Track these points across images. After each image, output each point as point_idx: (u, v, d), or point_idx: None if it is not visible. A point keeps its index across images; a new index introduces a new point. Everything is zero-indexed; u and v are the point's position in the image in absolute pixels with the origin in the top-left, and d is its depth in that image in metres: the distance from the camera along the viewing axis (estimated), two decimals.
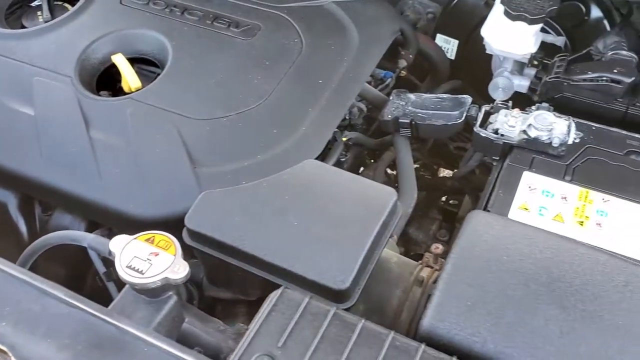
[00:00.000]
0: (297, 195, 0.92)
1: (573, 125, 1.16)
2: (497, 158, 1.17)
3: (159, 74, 1.25)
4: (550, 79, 1.22)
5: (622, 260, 0.85)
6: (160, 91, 1.20)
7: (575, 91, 1.20)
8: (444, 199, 1.60)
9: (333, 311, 0.75)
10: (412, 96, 1.30)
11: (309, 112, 1.15)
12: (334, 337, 0.72)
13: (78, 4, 1.40)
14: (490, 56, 1.49)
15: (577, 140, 1.14)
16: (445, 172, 1.74)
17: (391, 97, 1.30)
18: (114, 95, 1.30)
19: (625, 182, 1.07)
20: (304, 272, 0.84)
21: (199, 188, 1.04)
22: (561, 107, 1.21)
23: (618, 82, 1.16)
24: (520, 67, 1.43)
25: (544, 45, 1.51)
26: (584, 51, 1.39)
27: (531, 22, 1.27)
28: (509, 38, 1.33)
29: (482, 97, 1.56)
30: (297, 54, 1.25)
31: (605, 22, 1.54)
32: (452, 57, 1.73)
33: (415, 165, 1.70)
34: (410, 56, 1.51)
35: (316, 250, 0.86)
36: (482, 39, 1.53)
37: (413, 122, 1.23)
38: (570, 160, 1.11)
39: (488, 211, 1.04)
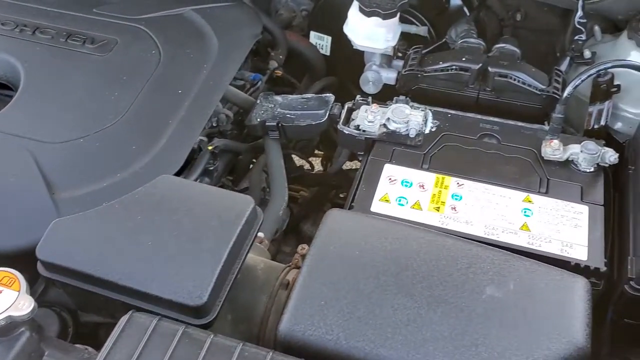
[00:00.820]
0: (150, 214, 0.90)
1: (430, 115, 1.20)
2: (363, 153, 1.20)
3: None
4: (405, 72, 1.26)
5: (466, 243, 0.90)
6: (13, 116, 1.15)
7: (430, 82, 1.25)
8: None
9: (181, 330, 0.74)
10: (278, 98, 1.31)
11: (169, 125, 1.13)
12: (183, 356, 0.72)
13: None
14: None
15: (433, 129, 1.19)
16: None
17: (258, 101, 1.30)
18: None
19: (478, 165, 1.13)
20: (160, 293, 0.83)
21: (58, 215, 1.01)
22: (419, 98, 1.25)
23: (466, 69, 1.21)
24: (388, 59, 1.47)
25: (409, 36, 1.56)
26: (441, 41, 1.45)
27: (385, 17, 1.30)
28: (367, 34, 1.36)
29: (360, 91, 1.60)
30: (155, 66, 1.23)
31: (465, 8, 1.61)
32: (327, 53, 1.75)
33: (304, 163, 1.73)
34: (281, 57, 1.52)
35: (171, 268, 0.85)
36: None
37: (280, 125, 1.24)
38: (428, 149, 1.15)
39: (352, 206, 1.07)
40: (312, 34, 1.76)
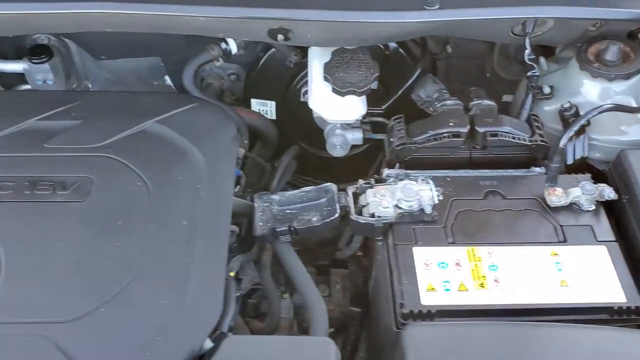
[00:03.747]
0: None
1: (432, 184, 1.22)
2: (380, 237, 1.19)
3: None
4: (397, 147, 1.26)
5: (535, 327, 0.93)
6: (5, 301, 0.99)
7: (423, 151, 1.26)
8: None
9: None
10: (275, 196, 1.26)
11: (190, 265, 1.04)
12: None
13: None
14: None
15: (440, 197, 1.21)
16: None
17: (255, 204, 1.24)
18: None
19: (496, 227, 1.17)
20: None
21: None
22: (412, 166, 1.27)
23: (457, 134, 1.24)
24: None
25: None
26: (399, 93, 1.47)
27: (360, 93, 1.30)
28: (342, 110, 1.35)
29: (313, 145, 1.66)
30: (147, 199, 1.11)
31: (401, 50, 1.65)
32: (274, 117, 1.72)
33: None
34: (246, 141, 1.45)
35: None
36: (297, 94, 1.55)
37: (292, 228, 1.19)
38: (445, 221, 1.17)
39: (403, 304, 1.05)
40: (254, 101, 1.72)
